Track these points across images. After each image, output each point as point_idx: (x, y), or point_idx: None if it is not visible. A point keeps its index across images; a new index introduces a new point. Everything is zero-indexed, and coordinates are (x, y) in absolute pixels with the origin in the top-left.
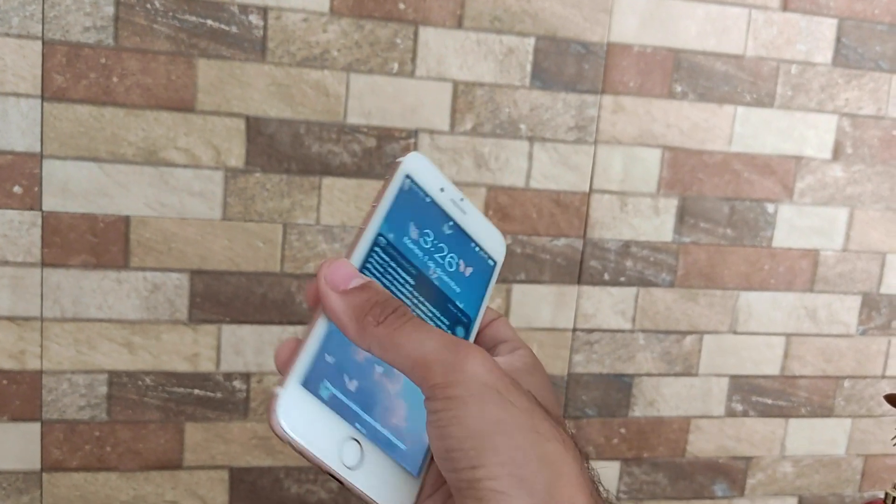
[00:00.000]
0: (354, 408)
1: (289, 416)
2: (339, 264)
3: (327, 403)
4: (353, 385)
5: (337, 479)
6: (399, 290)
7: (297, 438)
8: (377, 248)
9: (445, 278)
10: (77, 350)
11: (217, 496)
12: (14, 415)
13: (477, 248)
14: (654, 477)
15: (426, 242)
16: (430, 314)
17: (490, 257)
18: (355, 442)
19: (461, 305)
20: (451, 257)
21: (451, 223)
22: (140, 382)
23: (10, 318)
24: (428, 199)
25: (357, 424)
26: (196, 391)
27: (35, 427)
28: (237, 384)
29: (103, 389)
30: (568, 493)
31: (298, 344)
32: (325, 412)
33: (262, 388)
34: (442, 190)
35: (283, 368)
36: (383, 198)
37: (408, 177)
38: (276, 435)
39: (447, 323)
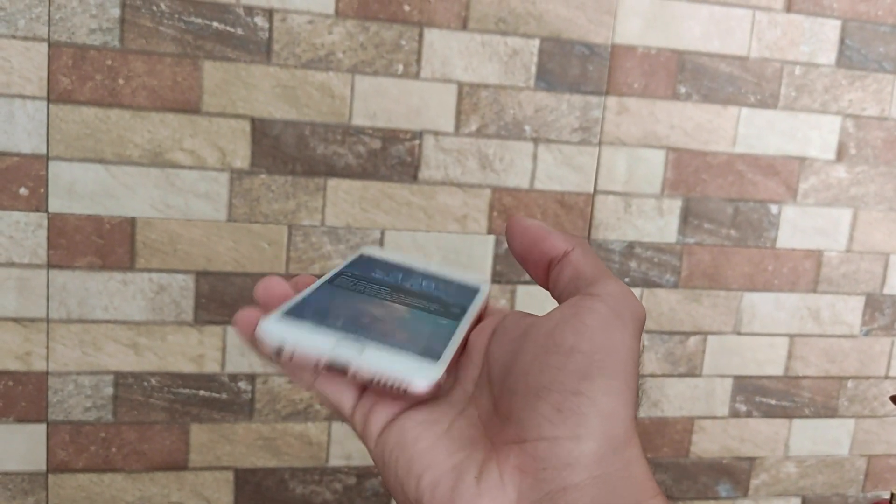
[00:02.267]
0: (350, 326)
1: (273, 326)
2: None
3: (318, 322)
4: (345, 313)
5: (339, 373)
6: (375, 291)
7: (284, 337)
8: (343, 276)
9: (424, 290)
10: (83, 351)
11: (222, 497)
12: (20, 416)
13: (455, 281)
14: (659, 477)
15: (395, 278)
16: (418, 303)
17: (472, 287)
18: (353, 339)
19: (451, 301)
20: (427, 284)
21: (418, 269)
22: (146, 383)
23: (16, 320)
24: (388, 260)
25: (355, 332)
26: (201, 392)
27: (41, 428)
28: (242, 385)
29: (109, 390)
30: (635, 453)
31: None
32: (315, 325)
33: (267, 389)
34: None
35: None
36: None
37: (362, 255)
38: (262, 350)
39: (439, 306)
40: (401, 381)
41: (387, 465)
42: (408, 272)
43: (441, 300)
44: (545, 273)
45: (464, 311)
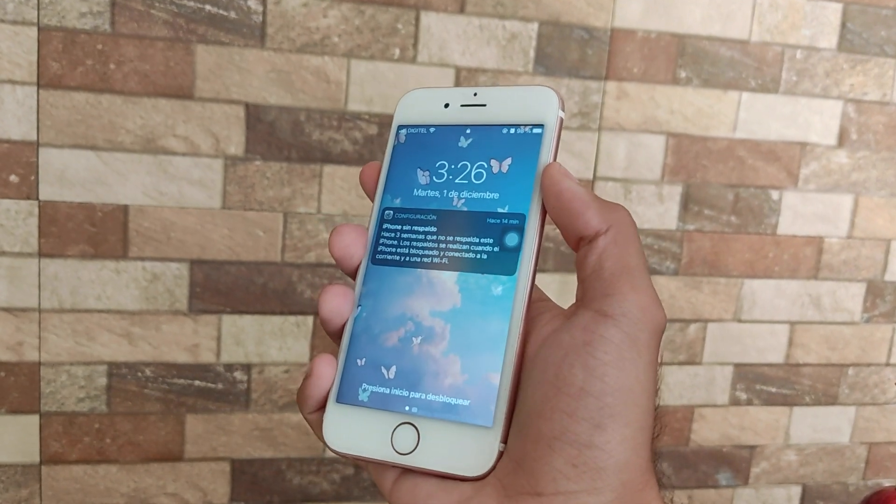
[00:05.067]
0: (399, 392)
1: (332, 435)
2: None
3: (368, 404)
4: (391, 372)
5: (407, 469)
6: (421, 249)
7: (346, 451)
8: (385, 225)
9: (476, 194)
10: (76, 341)
11: (218, 488)
12: (12, 407)
13: (511, 130)
14: (658, 466)
15: (441, 176)
16: (467, 245)
17: (534, 125)
18: (408, 425)
19: (505, 209)
20: (479, 166)
21: (467, 131)
22: (140, 374)
23: (8, 310)
24: (432, 130)
25: (406, 407)
26: (196, 382)
27: (33, 419)
28: (238, 375)
29: (102, 381)
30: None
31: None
32: (368, 413)
33: (264, 379)
34: (446, 106)
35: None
36: (381, 169)
37: (401, 127)
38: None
39: (491, 241)
40: (457, 474)
41: None
42: (454, 152)
43: (496, 203)
44: (575, 246)
45: (521, 231)
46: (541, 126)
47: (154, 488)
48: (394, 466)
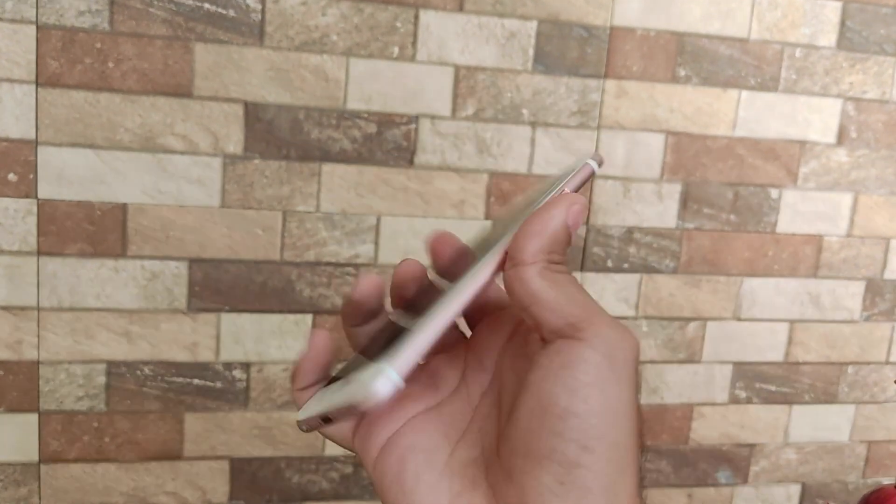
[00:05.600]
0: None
1: (302, 409)
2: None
3: (340, 378)
4: (368, 343)
5: (334, 420)
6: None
7: (300, 417)
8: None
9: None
10: (74, 340)
11: (218, 487)
12: (11, 406)
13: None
14: (658, 465)
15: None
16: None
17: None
18: (345, 384)
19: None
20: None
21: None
22: (139, 372)
23: (7, 308)
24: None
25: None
26: (195, 381)
27: (32, 418)
28: (237, 373)
29: (101, 379)
30: None
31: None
32: (330, 386)
33: (262, 378)
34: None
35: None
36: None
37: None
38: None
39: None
40: (348, 405)
41: (385, 495)
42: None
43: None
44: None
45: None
46: (571, 170)
47: (153, 487)
48: (318, 417)
